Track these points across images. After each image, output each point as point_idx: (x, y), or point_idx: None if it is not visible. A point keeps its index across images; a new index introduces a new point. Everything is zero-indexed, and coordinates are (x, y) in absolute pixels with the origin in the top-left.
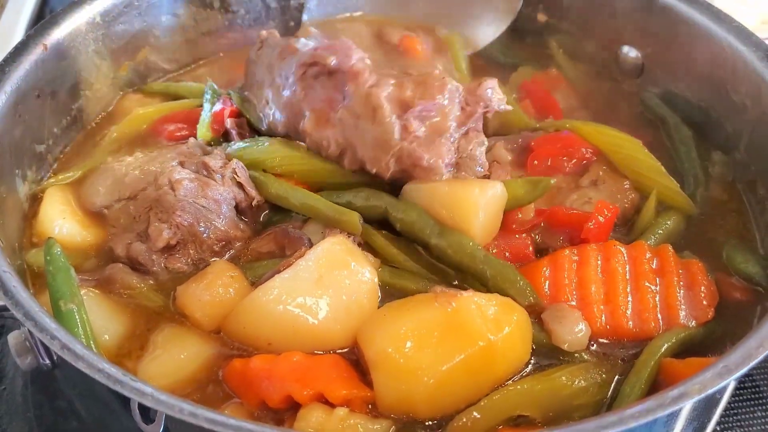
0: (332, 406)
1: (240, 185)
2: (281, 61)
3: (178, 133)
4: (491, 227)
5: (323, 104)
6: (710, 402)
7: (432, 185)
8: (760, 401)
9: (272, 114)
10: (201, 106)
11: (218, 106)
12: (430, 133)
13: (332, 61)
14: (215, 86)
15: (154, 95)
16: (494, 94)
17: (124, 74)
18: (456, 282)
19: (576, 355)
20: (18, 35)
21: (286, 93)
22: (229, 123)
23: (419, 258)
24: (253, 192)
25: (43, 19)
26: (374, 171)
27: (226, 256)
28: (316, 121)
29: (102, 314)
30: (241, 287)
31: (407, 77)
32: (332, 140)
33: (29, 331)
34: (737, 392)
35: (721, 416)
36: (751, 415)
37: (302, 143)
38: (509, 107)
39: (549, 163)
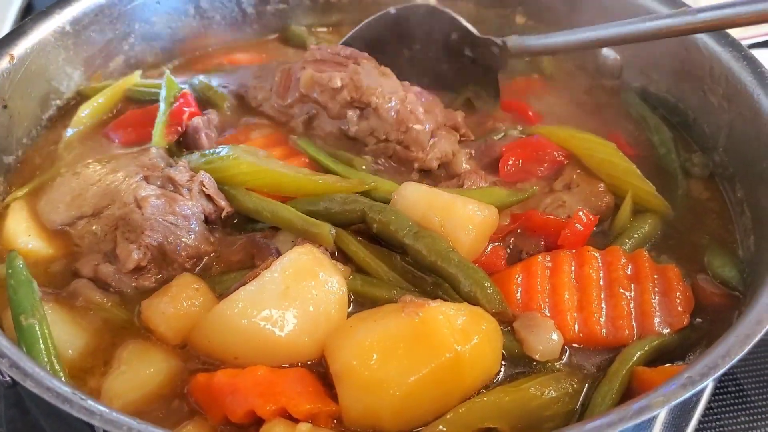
0: (296, 421)
1: (209, 197)
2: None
3: (133, 136)
4: (478, 247)
5: (329, 66)
6: (686, 406)
7: (432, 192)
8: (745, 405)
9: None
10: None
11: (176, 105)
12: (424, 111)
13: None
14: (173, 79)
15: None
16: (462, 124)
17: (98, 83)
18: (430, 289)
19: (549, 364)
20: None
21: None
22: (195, 123)
23: (393, 265)
24: (222, 203)
25: None
26: (375, 103)
27: (196, 270)
28: (322, 71)
29: (66, 329)
30: (207, 300)
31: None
32: (338, 77)
33: None
34: (721, 396)
35: (704, 420)
36: (735, 420)
37: (265, 152)
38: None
39: (521, 167)
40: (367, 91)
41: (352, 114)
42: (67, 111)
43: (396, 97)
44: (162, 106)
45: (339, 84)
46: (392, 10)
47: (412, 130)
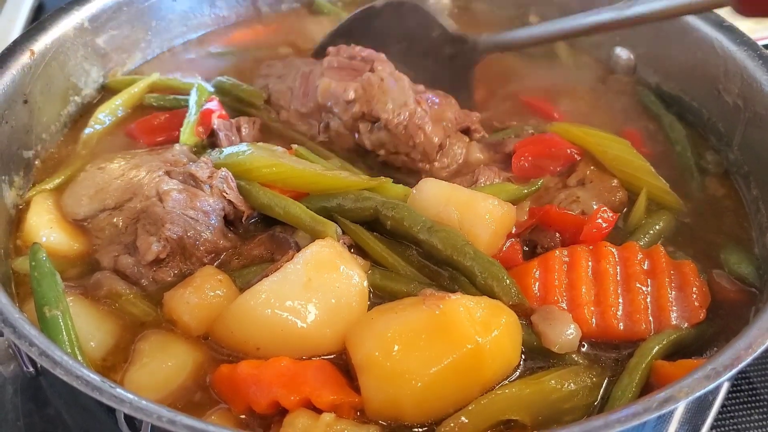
0: (320, 411)
1: (230, 202)
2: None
3: (158, 138)
4: (497, 242)
5: (346, 73)
6: (703, 404)
7: (451, 187)
8: (758, 403)
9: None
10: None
11: (206, 107)
12: (433, 116)
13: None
14: (204, 84)
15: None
16: (475, 123)
17: (114, 78)
18: (447, 283)
19: (566, 357)
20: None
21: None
22: (216, 123)
23: (410, 260)
24: (242, 206)
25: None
26: (384, 119)
27: (215, 265)
28: (339, 79)
29: (89, 321)
30: (230, 291)
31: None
32: (352, 88)
33: None
34: (733, 394)
35: (717, 419)
36: (748, 418)
37: (282, 149)
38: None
39: (534, 164)
40: (378, 105)
41: (363, 127)
42: (85, 107)
43: (405, 110)
44: (192, 107)
45: (352, 96)
46: (377, 4)
47: (419, 145)
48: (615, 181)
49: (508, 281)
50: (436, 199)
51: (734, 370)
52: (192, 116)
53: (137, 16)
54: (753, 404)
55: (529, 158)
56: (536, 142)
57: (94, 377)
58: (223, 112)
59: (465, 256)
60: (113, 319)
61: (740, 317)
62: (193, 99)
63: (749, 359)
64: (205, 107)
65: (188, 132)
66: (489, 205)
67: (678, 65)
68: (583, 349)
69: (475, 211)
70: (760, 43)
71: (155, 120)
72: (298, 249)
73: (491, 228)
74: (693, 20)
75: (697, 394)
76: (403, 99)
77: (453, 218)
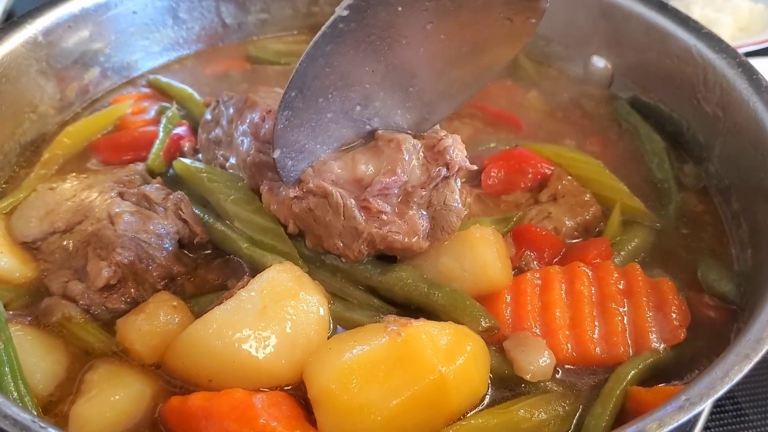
0: None
1: (185, 221)
2: (239, 116)
3: (124, 157)
4: (506, 265)
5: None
6: (683, 428)
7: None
8: (744, 425)
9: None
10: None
11: (175, 132)
12: (398, 205)
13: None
14: (176, 110)
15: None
16: (456, 151)
17: (72, 95)
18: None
19: (540, 385)
20: None
21: (244, 150)
22: (187, 146)
23: (373, 290)
24: (197, 228)
25: None
26: (344, 256)
27: (170, 291)
28: (270, 192)
29: (35, 352)
30: (184, 318)
31: (357, 149)
32: (290, 222)
33: None
34: (718, 415)
35: None
36: None
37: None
38: (473, 167)
39: (505, 180)
40: (328, 242)
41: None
42: (43, 125)
43: (360, 239)
44: (161, 133)
45: (295, 231)
46: None
47: (395, 249)
48: (588, 195)
49: (473, 308)
50: (423, 264)
51: (709, 401)
52: (160, 141)
53: (95, 29)
54: (739, 425)
55: (500, 174)
56: (506, 158)
57: (24, 416)
58: (193, 138)
59: (420, 291)
60: (62, 348)
61: (722, 336)
62: (162, 123)
63: (726, 388)
64: (174, 132)
65: (155, 157)
66: (473, 236)
67: (656, 75)
68: (558, 376)
69: (469, 245)
70: (742, 50)
71: (116, 140)
72: (252, 274)
73: (494, 247)
74: (671, 27)
75: (670, 427)
76: (349, 225)
77: (454, 268)
